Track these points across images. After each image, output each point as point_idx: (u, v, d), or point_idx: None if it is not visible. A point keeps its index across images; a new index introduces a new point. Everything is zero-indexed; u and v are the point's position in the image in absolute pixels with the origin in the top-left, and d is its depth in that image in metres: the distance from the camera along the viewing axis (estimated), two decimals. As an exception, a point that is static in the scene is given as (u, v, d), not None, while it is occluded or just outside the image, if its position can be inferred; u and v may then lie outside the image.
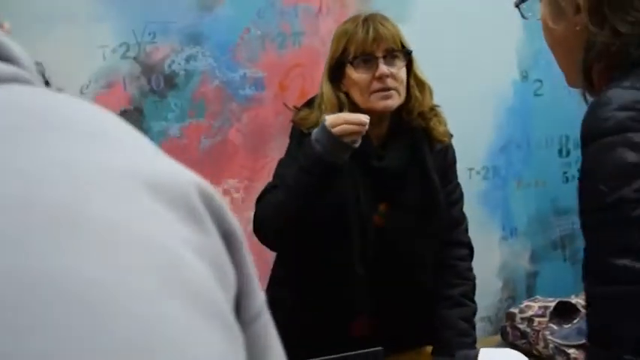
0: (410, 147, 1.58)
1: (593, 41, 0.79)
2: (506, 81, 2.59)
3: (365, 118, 1.40)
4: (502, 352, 1.18)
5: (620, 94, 0.68)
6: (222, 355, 0.38)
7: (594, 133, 0.68)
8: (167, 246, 0.38)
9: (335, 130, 1.39)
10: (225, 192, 2.23)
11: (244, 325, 0.44)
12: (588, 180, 0.68)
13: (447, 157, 1.64)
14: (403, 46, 1.54)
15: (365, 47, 1.49)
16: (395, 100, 1.52)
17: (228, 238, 0.43)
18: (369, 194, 1.56)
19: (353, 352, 1.16)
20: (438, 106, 1.61)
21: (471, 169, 2.53)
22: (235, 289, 0.44)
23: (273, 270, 1.75)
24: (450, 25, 2.43)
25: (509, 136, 2.61)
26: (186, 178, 0.42)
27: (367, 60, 1.50)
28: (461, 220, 1.67)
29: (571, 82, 0.90)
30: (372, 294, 1.60)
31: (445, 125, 1.62)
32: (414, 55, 1.57)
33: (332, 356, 1.15)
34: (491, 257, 2.59)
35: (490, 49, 2.48)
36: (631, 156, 0.64)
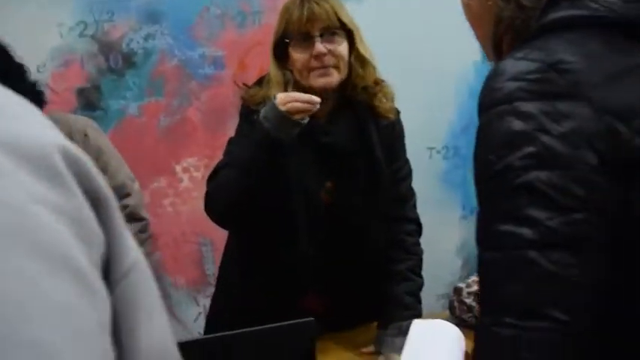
0: (356, 123, 1.60)
1: (501, 15, 0.80)
2: (468, 61, 2.60)
3: (315, 98, 1.42)
4: (433, 322, 1.20)
5: (512, 65, 0.70)
6: (67, 305, 0.39)
7: (486, 104, 0.70)
8: (15, 203, 0.39)
9: (284, 107, 1.40)
10: (185, 170, 2.24)
11: (114, 282, 0.46)
12: (480, 149, 0.70)
13: (393, 133, 1.65)
14: (343, 24, 1.54)
15: (300, 27, 1.50)
16: (334, 77, 1.52)
17: (94, 199, 0.45)
18: (315, 171, 1.57)
19: (284, 323, 1.17)
20: (383, 80, 1.62)
21: (431, 149, 2.56)
22: (104, 247, 0.45)
23: (225, 251, 1.76)
24: (411, 4, 2.44)
25: (470, 116, 2.63)
26: (50, 141, 0.43)
27: (304, 39, 1.51)
28: (409, 197, 1.69)
29: (489, 58, 0.91)
30: (323, 271, 1.61)
31: (392, 101, 1.63)
32: (364, 32, 1.59)
33: (262, 326, 1.17)
34: (451, 236, 2.62)
35: (451, 29, 2.48)
36: (518, 125, 0.66)
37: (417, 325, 1.20)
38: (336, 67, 1.53)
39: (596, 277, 0.64)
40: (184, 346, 1.09)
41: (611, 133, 0.64)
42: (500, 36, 0.81)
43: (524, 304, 0.64)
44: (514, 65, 0.69)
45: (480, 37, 0.91)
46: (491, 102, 0.69)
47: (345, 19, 1.54)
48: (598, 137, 0.64)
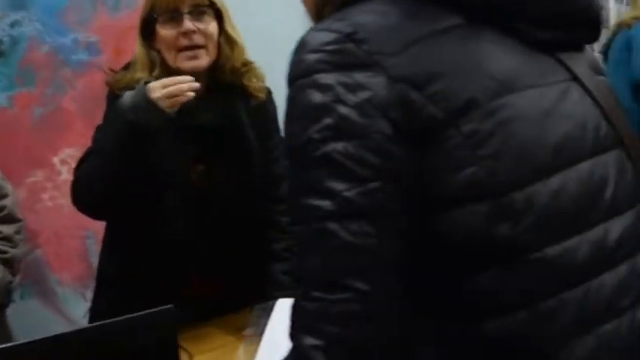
0: (225, 104, 1.57)
1: None
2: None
3: (189, 77, 1.38)
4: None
5: (312, 37, 0.68)
6: None
7: (291, 77, 0.69)
8: None
9: (163, 91, 1.36)
10: (64, 162, 2.16)
11: None
12: (286, 123, 0.69)
13: (264, 112, 1.63)
14: (212, 2, 1.51)
15: (169, 3, 1.47)
16: (203, 60, 1.50)
17: None
18: (185, 154, 1.54)
19: (142, 312, 1.14)
20: (252, 62, 1.60)
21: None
22: None
23: (103, 241, 1.70)
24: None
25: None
26: None
27: (173, 16, 1.47)
28: (284, 176, 1.68)
29: None
30: (204, 255, 1.59)
31: (262, 81, 1.62)
32: (239, 14, 1.57)
33: (120, 318, 1.14)
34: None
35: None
36: (317, 97, 0.65)
37: (280, 304, 1.20)
38: (205, 48, 1.50)
39: (394, 246, 0.64)
40: (34, 346, 1.05)
41: (405, 102, 0.64)
42: (320, 8, 0.80)
43: (328, 277, 0.64)
44: (314, 37, 0.68)
45: (307, 11, 0.90)
46: (294, 75, 0.68)
47: None
48: (393, 106, 0.64)
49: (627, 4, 3.64)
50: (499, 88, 0.65)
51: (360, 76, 0.64)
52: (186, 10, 1.47)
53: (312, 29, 0.70)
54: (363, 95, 0.64)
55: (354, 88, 0.64)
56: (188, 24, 1.46)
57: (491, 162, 0.63)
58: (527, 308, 0.63)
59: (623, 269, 0.67)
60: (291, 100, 0.68)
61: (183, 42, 1.47)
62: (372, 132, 0.63)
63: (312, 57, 0.67)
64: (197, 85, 1.39)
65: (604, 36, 3.40)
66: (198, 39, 1.48)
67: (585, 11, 0.73)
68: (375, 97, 0.64)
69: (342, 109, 0.64)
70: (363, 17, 0.68)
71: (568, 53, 0.73)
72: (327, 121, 0.64)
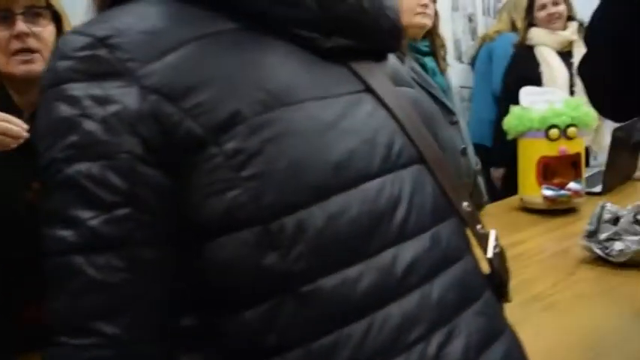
0: None
1: None
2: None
3: (23, 124, 1.26)
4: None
5: (68, 40, 0.60)
6: None
7: (42, 86, 0.60)
8: None
9: None
10: None
11: None
12: (35, 140, 0.60)
13: None
14: (49, 4, 1.40)
15: (0, 2, 1.35)
16: (38, 65, 1.38)
17: None
18: (18, 172, 1.41)
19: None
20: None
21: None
22: None
23: None
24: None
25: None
26: None
27: (5, 17, 1.36)
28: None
29: None
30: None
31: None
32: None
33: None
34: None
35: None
36: (64, 110, 0.56)
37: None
38: (41, 53, 1.39)
39: (150, 281, 0.56)
40: None
41: (159, 116, 0.55)
42: (101, 1, 0.71)
43: (74, 320, 0.55)
44: (69, 41, 0.59)
45: (92, 2, 0.80)
46: (44, 84, 0.59)
47: (53, 1, 1.41)
48: (145, 121, 0.55)
49: (494, 17, 3.75)
50: (270, 101, 0.58)
51: (110, 87, 0.56)
52: (19, 10, 1.35)
53: (69, 32, 0.61)
54: (111, 109, 0.55)
55: (103, 100, 0.56)
56: (21, 26, 1.35)
57: (257, 184, 0.55)
58: (301, 347, 0.56)
59: (413, 299, 0.60)
60: (39, 114, 0.59)
61: (16, 45, 1.36)
62: (120, 151, 0.55)
63: (63, 65, 0.58)
64: (26, 135, 1.27)
65: (473, 48, 3.49)
66: (32, 43, 1.37)
67: (375, 18, 0.67)
68: (124, 111, 0.55)
69: (88, 125, 0.55)
70: (121, 20, 0.59)
71: (364, 63, 0.67)
72: (72, 138, 0.56)
